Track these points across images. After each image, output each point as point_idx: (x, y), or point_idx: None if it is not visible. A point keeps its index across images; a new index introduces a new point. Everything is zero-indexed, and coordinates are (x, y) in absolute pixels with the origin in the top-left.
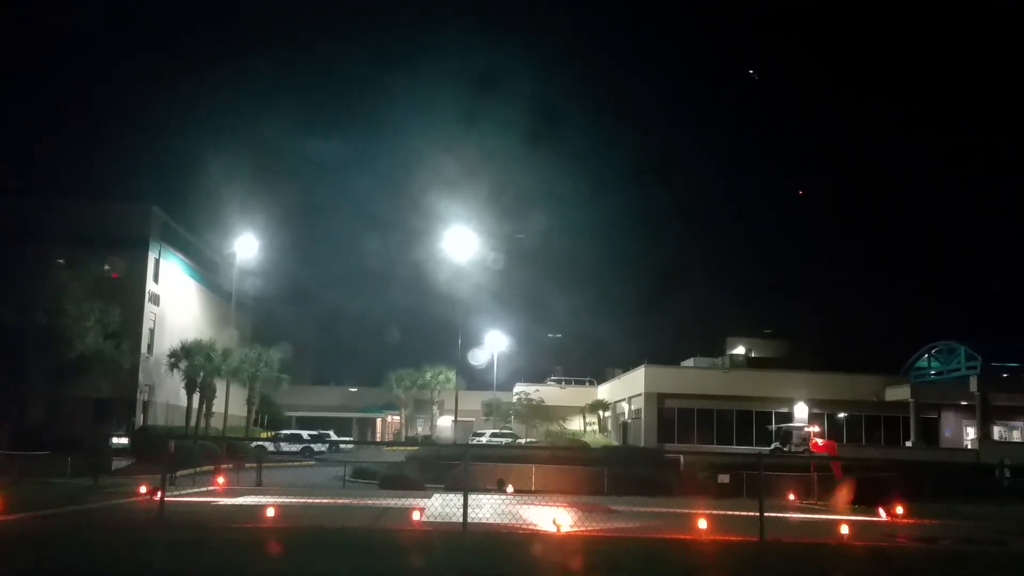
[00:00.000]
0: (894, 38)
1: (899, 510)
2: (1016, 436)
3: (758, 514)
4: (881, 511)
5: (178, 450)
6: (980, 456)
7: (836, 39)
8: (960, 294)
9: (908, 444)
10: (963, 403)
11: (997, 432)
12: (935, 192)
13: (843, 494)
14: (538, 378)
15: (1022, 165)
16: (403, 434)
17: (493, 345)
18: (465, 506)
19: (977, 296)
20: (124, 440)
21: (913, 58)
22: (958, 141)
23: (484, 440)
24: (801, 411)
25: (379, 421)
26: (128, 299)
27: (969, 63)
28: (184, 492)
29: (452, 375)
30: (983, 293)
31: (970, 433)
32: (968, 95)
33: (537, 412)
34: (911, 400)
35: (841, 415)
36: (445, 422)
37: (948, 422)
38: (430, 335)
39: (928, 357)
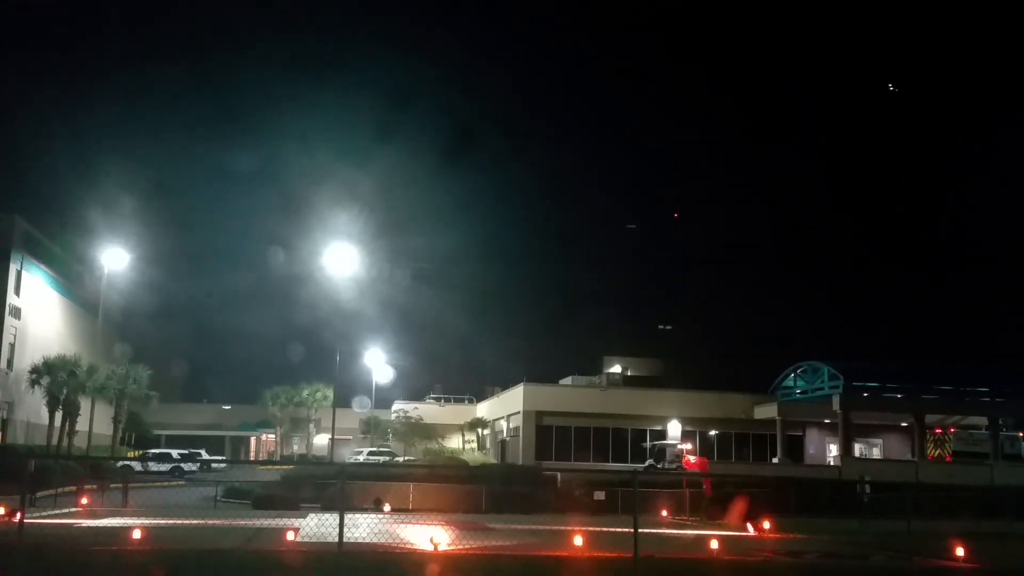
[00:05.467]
0: (754, 58)
1: (766, 525)
2: (876, 453)
3: (632, 530)
4: (749, 526)
5: (38, 470)
6: (842, 472)
7: (701, 54)
8: (827, 315)
9: (775, 460)
10: (826, 421)
11: (858, 449)
12: (804, 214)
13: (738, 509)
14: (417, 396)
15: (888, 188)
16: (278, 453)
17: (372, 363)
18: (341, 525)
19: (842, 317)
20: None
21: (777, 76)
22: (826, 164)
23: (361, 458)
24: (674, 429)
25: (253, 439)
26: None
27: (832, 80)
28: (45, 514)
29: (330, 393)
30: (848, 314)
31: (832, 450)
32: (837, 114)
33: (416, 430)
34: (778, 418)
35: (712, 432)
36: (322, 440)
37: (812, 439)
38: (307, 352)
39: (794, 376)
